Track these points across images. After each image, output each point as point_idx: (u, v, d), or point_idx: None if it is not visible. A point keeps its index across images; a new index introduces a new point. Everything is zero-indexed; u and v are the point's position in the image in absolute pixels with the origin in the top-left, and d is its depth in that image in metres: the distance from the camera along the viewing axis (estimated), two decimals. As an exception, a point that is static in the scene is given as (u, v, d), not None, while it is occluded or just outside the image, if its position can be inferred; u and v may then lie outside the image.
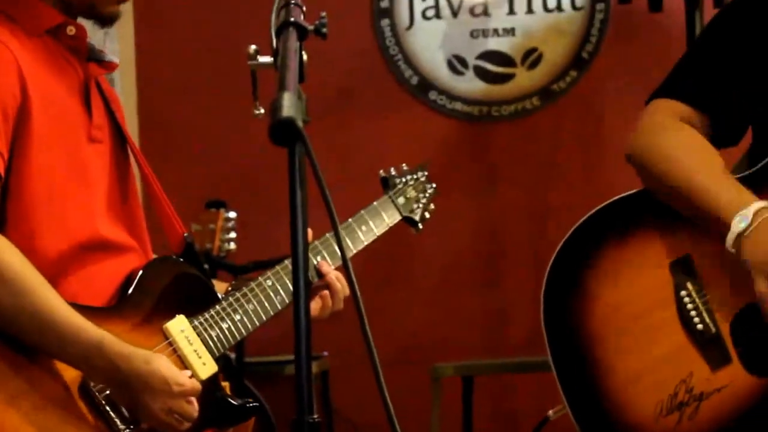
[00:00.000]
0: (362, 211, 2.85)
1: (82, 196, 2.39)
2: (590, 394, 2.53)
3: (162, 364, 2.27)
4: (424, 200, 3.06)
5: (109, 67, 2.55)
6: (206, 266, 2.55)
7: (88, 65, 2.47)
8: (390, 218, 2.94)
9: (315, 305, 2.56)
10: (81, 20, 2.48)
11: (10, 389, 2.21)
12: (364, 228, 2.85)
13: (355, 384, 4.85)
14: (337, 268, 2.65)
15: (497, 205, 5.54)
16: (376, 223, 2.89)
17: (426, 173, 3.11)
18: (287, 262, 2.54)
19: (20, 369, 2.23)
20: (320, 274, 2.59)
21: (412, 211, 3.01)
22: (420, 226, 3.02)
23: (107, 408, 2.27)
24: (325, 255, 2.64)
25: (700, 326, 2.45)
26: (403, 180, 3.04)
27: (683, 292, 2.48)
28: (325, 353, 5.17)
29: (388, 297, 5.34)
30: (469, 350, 5.37)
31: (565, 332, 2.58)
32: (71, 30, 2.43)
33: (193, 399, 2.29)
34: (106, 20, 2.49)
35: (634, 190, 2.59)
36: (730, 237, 2.38)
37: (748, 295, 2.41)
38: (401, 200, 3.01)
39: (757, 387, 2.39)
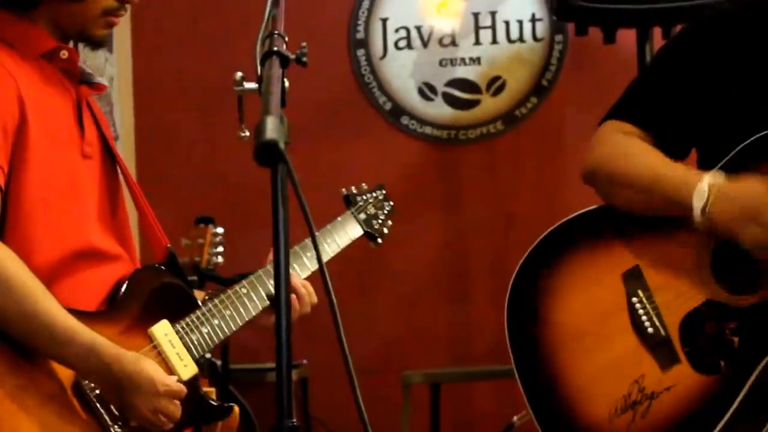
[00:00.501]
0: (328, 226, 2.90)
1: (75, 208, 2.40)
2: (551, 397, 2.55)
3: (149, 366, 2.29)
4: (383, 217, 3.12)
5: (99, 88, 2.57)
6: (195, 278, 2.57)
7: (80, 87, 2.49)
8: (352, 233, 3.01)
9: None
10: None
11: (9, 386, 2.21)
12: (329, 240, 2.90)
13: (332, 390, 4.86)
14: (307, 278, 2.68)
15: (463, 223, 5.55)
16: (340, 236, 2.95)
17: (384, 192, 3.16)
18: (260, 272, 2.59)
19: (19, 367, 2.24)
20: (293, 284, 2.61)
21: (372, 226, 3.07)
22: (379, 240, 3.09)
23: (98, 405, 2.28)
24: (295, 267, 2.67)
25: (650, 330, 2.47)
26: (364, 198, 3.09)
27: (634, 299, 2.50)
28: (305, 361, 5.17)
29: (363, 310, 5.33)
30: (437, 359, 5.37)
31: (527, 340, 2.60)
32: (64, 54, 2.44)
33: (177, 401, 2.30)
34: (96, 43, 2.51)
35: (589, 208, 2.62)
36: (697, 216, 2.41)
37: (693, 300, 2.45)
38: (363, 216, 3.06)
39: (704, 384, 2.41)
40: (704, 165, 2.55)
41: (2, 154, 2.26)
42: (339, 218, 2.99)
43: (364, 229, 3.05)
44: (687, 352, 2.44)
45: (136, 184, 2.58)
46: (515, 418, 4.75)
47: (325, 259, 2.84)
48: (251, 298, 2.57)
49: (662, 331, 2.47)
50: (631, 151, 2.56)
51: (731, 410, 2.34)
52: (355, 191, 3.11)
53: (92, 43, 2.50)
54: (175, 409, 2.29)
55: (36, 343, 2.24)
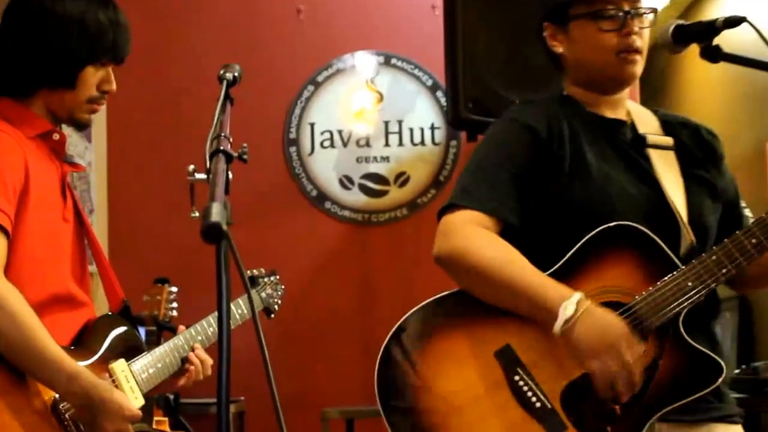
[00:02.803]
0: (239, 299, 2.94)
1: (56, 259, 2.42)
2: None
3: (119, 395, 2.30)
4: (276, 296, 3.21)
5: (77, 168, 2.59)
6: (154, 327, 2.61)
7: (63, 164, 2.49)
8: (256, 307, 3.08)
9: (183, 380, 2.63)
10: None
11: (6, 402, 2.21)
12: (239, 311, 2.93)
13: (265, 423, 4.79)
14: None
15: (373, 288, 5.53)
16: (245, 308, 3.01)
17: (278, 277, 3.28)
18: (192, 331, 2.65)
19: (14, 387, 2.24)
20: (185, 361, 2.62)
21: (268, 303, 3.15)
22: (272, 315, 3.18)
23: (71, 423, 2.27)
24: (204, 340, 2.71)
25: (537, 404, 2.20)
26: (264, 280, 3.18)
27: (516, 377, 2.22)
28: (242, 398, 5.12)
29: (290, 357, 5.29)
30: (351, 398, 5.33)
31: (408, 419, 2.26)
32: (56, 136, 2.48)
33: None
34: (81, 125, 2.55)
35: (449, 291, 2.35)
36: (558, 324, 2.17)
37: (571, 373, 2.22)
38: (263, 295, 3.12)
39: None
40: (538, 245, 2.32)
41: (11, 207, 2.29)
42: (246, 295, 3.06)
43: (263, 305, 3.18)
44: (573, 421, 2.19)
45: (99, 245, 2.59)
46: None
47: (235, 324, 2.88)
48: (185, 349, 2.62)
49: (548, 404, 2.20)
50: (497, 253, 2.27)
51: None
52: (257, 274, 3.20)
53: (78, 125, 2.54)
54: (132, 430, 2.30)
55: (29, 366, 2.24)
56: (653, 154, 2.38)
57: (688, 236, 2.29)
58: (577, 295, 2.18)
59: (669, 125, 2.46)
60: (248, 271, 3.20)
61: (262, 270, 3.25)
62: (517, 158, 2.35)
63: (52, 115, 2.48)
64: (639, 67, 2.38)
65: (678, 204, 2.30)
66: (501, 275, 2.25)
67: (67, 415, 2.27)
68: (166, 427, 4.05)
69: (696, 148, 2.44)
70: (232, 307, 2.90)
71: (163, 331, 3.69)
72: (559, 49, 2.44)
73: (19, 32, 2.44)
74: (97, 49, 2.45)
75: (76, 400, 2.26)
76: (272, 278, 3.25)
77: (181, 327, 2.65)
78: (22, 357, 2.22)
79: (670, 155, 2.40)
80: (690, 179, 2.37)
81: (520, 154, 2.36)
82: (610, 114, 2.43)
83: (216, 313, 2.67)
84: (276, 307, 3.23)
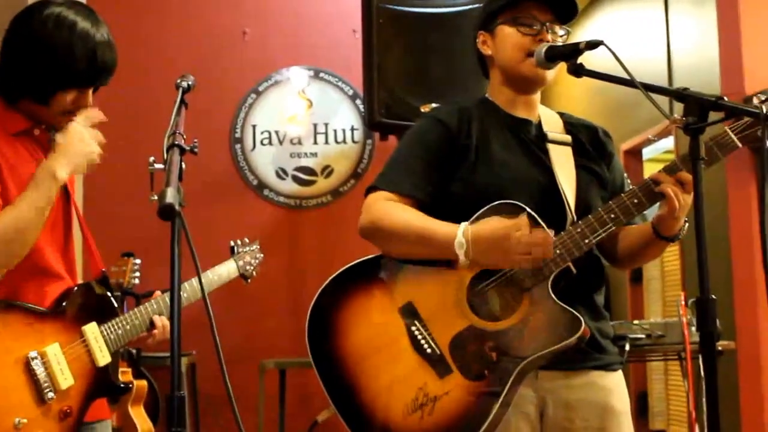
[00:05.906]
0: (217, 267, 2.86)
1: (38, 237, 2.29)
2: (354, 403, 2.26)
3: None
4: (254, 263, 3.09)
5: None
6: (119, 293, 2.48)
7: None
8: (232, 273, 2.98)
9: (150, 339, 2.48)
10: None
11: None
12: (216, 278, 2.85)
13: (212, 372, 4.77)
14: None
15: (303, 260, 5.54)
16: (223, 275, 2.92)
17: (258, 246, 3.13)
18: (158, 298, 2.49)
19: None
20: (153, 324, 2.48)
21: (246, 270, 3.03)
22: (248, 280, 3.05)
23: (36, 375, 2.19)
24: (187, 295, 2.57)
25: (429, 350, 2.21)
26: (244, 249, 3.06)
27: (413, 328, 2.24)
28: (194, 352, 5.08)
29: (234, 317, 5.28)
30: (284, 352, 5.33)
31: (331, 363, 2.29)
32: (37, 132, 2.33)
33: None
34: (59, 131, 2.40)
35: (370, 256, 2.36)
36: (462, 260, 2.18)
37: (457, 325, 2.22)
38: (241, 262, 3.02)
39: (474, 388, 2.18)
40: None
41: None
42: (226, 262, 2.97)
43: (239, 272, 3.02)
44: (458, 366, 2.19)
45: (85, 224, 2.48)
46: (318, 417, 4.49)
47: (213, 287, 2.81)
48: (152, 313, 2.49)
49: (437, 351, 2.21)
50: (402, 214, 2.28)
51: (497, 406, 2.15)
52: (239, 243, 3.09)
53: (57, 131, 2.40)
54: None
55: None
56: (552, 148, 2.38)
57: (571, 214, 2.28)
58: (460, 230, 2.18)
59: (572, 126, 2.47)
60: (231, 241, 3.09)
61: (246, 239, 3.14)
62: (429, 146, 2.35)
63: (35, 117, 2.33)
64: (546, 71, 2.36)
65: (567, 188, 2.30)
66: (409, 231, 2.25)
67: (33, 365, 2.18)
68: (130, 377, 3.99)
69: (590, 146, 2.45)
70: (208, 273, 2.83)
71: (126, 296, 3.64)
72: (488, 51, 2.43)
73: (7, 48, 2.30)
74: (66, 78, 2.27)
75: None
76: (253, 247, 3.14)
77: (157, 293, 2.54)
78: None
79: (567, 150, 2.40)
80: (581, 169, 2.37)
81: (431, 143, 2.35)
82: (520, 114, 2.42)
83: (186, 284, 2.62)
84: (254, 273, 3.08)
